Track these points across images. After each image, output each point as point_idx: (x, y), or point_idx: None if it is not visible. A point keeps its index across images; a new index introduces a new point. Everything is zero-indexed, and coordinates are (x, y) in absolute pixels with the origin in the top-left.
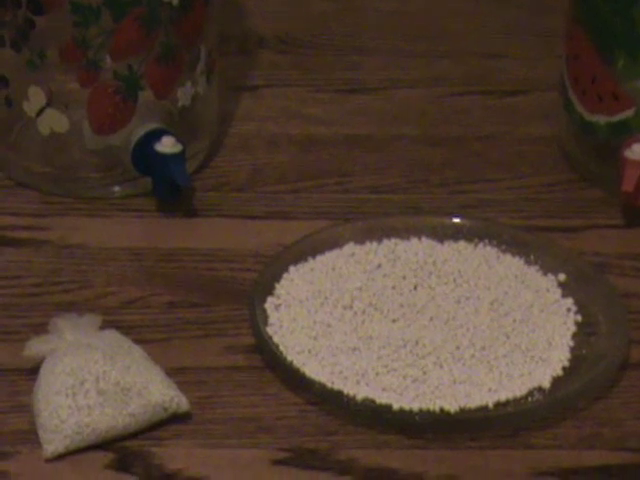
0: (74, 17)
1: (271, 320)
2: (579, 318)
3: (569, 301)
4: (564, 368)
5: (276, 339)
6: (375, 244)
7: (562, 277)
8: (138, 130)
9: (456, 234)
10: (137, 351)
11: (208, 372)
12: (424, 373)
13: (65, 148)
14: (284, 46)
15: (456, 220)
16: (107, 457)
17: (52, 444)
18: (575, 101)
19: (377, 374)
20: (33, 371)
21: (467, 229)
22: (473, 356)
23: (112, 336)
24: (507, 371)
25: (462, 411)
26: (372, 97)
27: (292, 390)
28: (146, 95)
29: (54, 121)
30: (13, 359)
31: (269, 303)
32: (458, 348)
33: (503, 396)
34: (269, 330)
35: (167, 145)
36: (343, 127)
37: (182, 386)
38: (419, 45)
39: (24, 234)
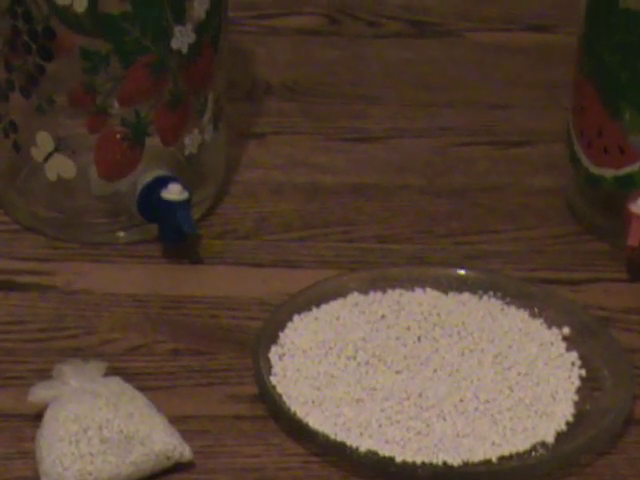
0: (83, 63)
1: (275, 369)
2: (583, 372)
3: (573, 355)
4: (568, 423)
5: (280, 389)
6: (379, 294)
7: (566, 331)
8: (145, 176)
9: (460, 285)
10: (140, 399)
11: (211, 421)
12: (427, 426)
13: (72, 193)
14: (291, 94)
15: (461, 271)
16: None
17: None
18: (581, 154)
19: (380, 426)
20: (37, 417)
21: (472, 281)
22: (477, 409)
23: (116, 383)
24: (511, 425)
25: (465, 465)
26: (378, 146)
27: (295, 440)
28: (153, 142)
29: (61, 167)
30: (17, 405)
31: (273, 352)
32: (462, 401)
33: (507, 450)
34: (273, 379)
35: (173, 192)
36: (349, 176)
37: (185, 435)
38: (425, 95)
39: (29, 279)
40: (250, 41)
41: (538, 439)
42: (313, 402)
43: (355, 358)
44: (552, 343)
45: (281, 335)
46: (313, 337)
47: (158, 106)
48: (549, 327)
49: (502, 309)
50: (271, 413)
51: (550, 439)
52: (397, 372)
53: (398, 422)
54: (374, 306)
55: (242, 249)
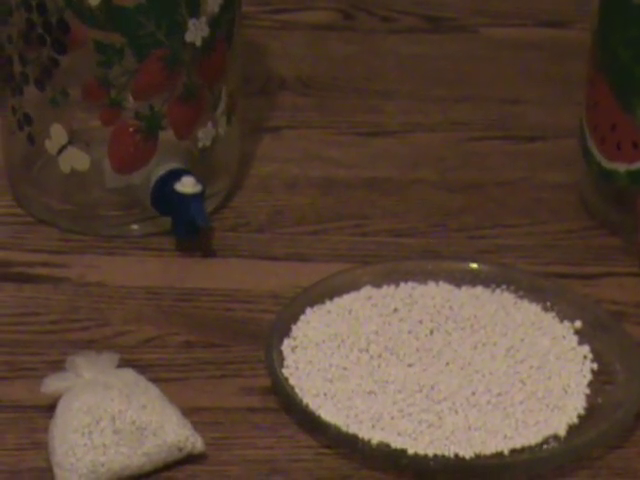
0: (97, 57)
1: (287, 362)
2: (595, 366)
3: (585, 349)
4: (580, 416)
5: (292, 381)
6: (392, 288)
7: (579, 324)
8: (158, 169)
9: (473, 279)
10: (153, 390)
11: (224, 413)
12: (439, 418)
13: (85, 186)
14: (305, 88)
15: (474, 265)
16: None
17: None
18: (594, 149)
19: (392, 418)
20: (50, 408)
21: (484, 274)
22: (489, 402)
23: (129, 375)
24: (523, 418)
25: (477, 457)
26: (392, 141)
27: (307, 433)
28: (167, 135)
29: (75, 159)
30: (30, 396)
31: (285, 345)
32: (474, 394)
33: (518, 443)
34: (285, 372)
35: (187, 185)
36: (363, 170)
37: (198, 426)
38: (439, 89)
39: (43, 271)
40: (264, 35)
41: (550, 432)
42: (325, 394)
43: (367, 351)
44: (564, 337)
45: (294, 328)
46: (326, 330)
47: (172, 99)
48: (561, 321)
49: (515, 303)
50: (283, 405)
51: (562, 432)
52: (409, 365)
53: (410, 415)
54: (387, 299)
55: (255, 242)
